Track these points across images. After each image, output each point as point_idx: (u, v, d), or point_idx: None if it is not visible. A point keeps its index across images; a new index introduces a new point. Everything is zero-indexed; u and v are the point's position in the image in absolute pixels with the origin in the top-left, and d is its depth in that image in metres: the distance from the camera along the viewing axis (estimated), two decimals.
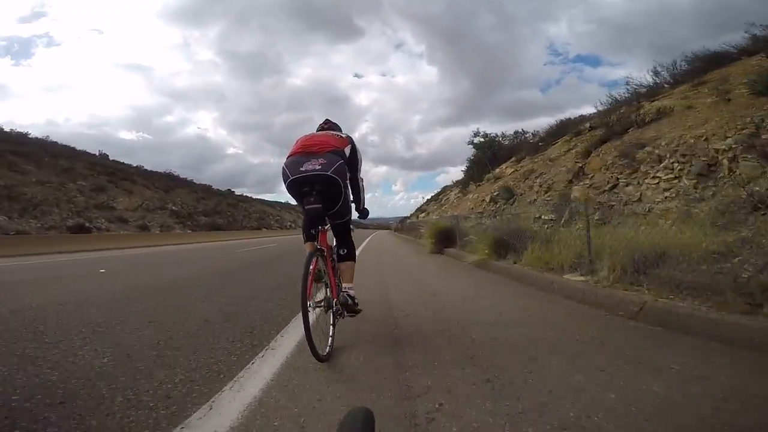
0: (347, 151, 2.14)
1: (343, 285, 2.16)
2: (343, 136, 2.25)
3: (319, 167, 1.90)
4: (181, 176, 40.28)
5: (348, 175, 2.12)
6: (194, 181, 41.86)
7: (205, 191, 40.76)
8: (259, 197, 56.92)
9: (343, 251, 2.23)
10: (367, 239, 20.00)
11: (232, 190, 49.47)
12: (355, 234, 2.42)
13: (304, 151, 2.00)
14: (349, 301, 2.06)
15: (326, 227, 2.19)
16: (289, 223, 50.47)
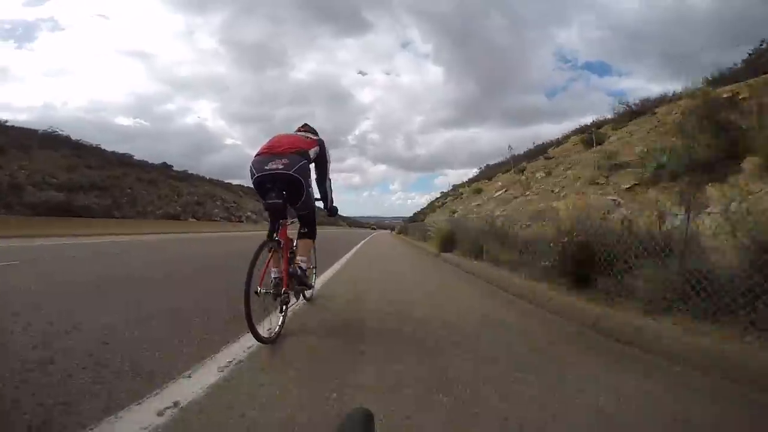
0: (313, 152, 2.33)
1: (298, 258, 2.35)
2: (313, 138, 2.46)
3: (282, 167, 2.10)
4: (73, 138, 26.32)
5: (314, 174, 2.42)
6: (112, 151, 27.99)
7: (110, 160, 26.77)
8: (217, 179, 42.66)
9: (304, 230, 2.47)
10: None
11: (169, 164, 35.36)
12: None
13: (269, 152, 2.18)
14: (299, 272, 2.29)
15: (287, 222, 2.31)
16: (250, 214, 36.47)
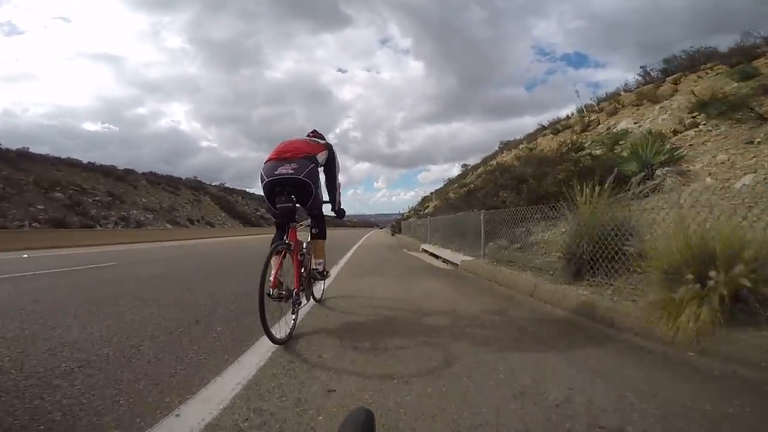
0: (321, 157, 2.36)
1: (314, 261, 2.53)
2: (321, 142, 2.48)
3: (292, 171, 2.12)
4: None
5: (323, 177, 2.46)
6: None
7: None
8: (95, 162, 26.89)
9: (316, 230, 2.52)
10: None
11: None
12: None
13: (278, 157, 2.19)
14: (318, 276, 2.56)
15: (297, 225, 2.32)
16: (133, 213, 21.31)
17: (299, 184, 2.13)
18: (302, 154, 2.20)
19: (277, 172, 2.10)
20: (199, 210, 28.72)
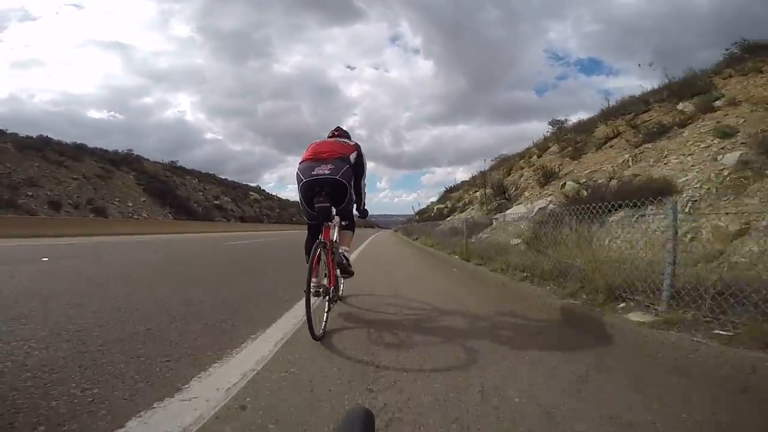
0: (353, 157, 2.42)
1: (341, 247, 2.50)
2: (351, 143, 2.56)
3: (328, 172, 2.21)
4: None
5: (353, 178, 2.42)
6: None
7: None
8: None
9: (346, 223, 2.60)
10: None
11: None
12: None
13: (314, 158, 2.29)
14: (344, 260, 2.43)
15: (331, 224, 2.40)
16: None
17: (336, 185, 2.21)
18: (337, 154, 2.30)
19: (314, 173, 2.20)
20: (97, 191, 18.37)
